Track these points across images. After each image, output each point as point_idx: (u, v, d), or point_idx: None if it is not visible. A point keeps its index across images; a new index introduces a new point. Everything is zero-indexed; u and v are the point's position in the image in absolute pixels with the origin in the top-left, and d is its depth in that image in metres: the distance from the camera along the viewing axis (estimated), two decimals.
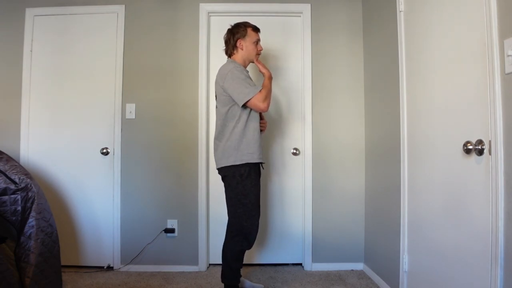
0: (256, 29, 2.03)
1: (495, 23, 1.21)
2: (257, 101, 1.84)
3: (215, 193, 2.60)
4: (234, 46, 2.00)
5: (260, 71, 2.03)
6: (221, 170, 1.94)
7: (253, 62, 2.05)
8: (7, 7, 2.60)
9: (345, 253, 2.56)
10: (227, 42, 2.03)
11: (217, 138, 1.96)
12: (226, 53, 2.06)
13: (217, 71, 2.05)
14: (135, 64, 2.59)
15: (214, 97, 2.07)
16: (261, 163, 1.96)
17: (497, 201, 1.19)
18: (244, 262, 2.04)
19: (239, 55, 2.01)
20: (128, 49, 2.59)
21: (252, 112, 1.92)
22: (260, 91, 1.86)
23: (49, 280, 1.67)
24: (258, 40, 2.03)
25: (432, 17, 1.64)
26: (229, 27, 2.04)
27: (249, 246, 1.92)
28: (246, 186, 1.86)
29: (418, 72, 1.77)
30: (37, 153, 2.57)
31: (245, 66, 2.03)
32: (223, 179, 1.96)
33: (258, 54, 2.05)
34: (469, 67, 1.36)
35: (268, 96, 1.88)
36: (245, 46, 1.99)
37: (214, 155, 1.98)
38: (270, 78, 1.98)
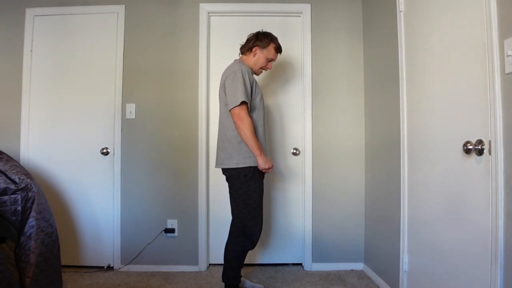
0: (278, 50, 2.03)
1: (495, 23, 1.21)
2: (240, 110, 1.77)
3: (215, 193, 2.60)
4: (249, 49, 2.00)
5: None
6: (225, 171, 1.93)
7: (255, 73, 2.05)
8: (7, 7, 2.60)
9: (345, 253, 2.56)
10: (248, 40, 2.02)
11: (219, 137, 1.97)
12: (241, 48, 2.06)
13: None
14: (135, 64, 2.59)
15: (218, 97, 2.07)
16: None
17: (497, 201, 1.19)
18: (244, 262, 2.04)
19: (250, 59, 2.01)
20: (128, 49, 2.59)
21: (253, 112, 1.91)
22: (247, 111, 1.80)
23: (49, 280, 1.67)
24: (272, 60, 2.03)
25: (432, 17, 1.64)
26: (261, 30, 2.04)
27: (252, 246, 1.91)
28: (250, 187, 1.85)
29: (418, 72, 1.77)
30: (37, 153, 2.57)
31: (252, 72, 2.02)
32: (227, 180, 1.95)
33: (263, 68, 2.04)
34: (469, 67, 1.36)
35: (245, 127, 1.78)
36: (257, 56, 1.99)
37: (217, 155, 1.98)
38: (258, 154, 1.83)
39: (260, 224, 1.89)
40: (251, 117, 1.87)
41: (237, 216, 1.90)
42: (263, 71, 2.08)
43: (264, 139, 1.97)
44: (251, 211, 1.86)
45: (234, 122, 1.82)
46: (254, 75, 2.05)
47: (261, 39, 1.98)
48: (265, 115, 2.00)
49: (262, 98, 1.97)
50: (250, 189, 1.85)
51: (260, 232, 1.90)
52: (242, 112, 1.79)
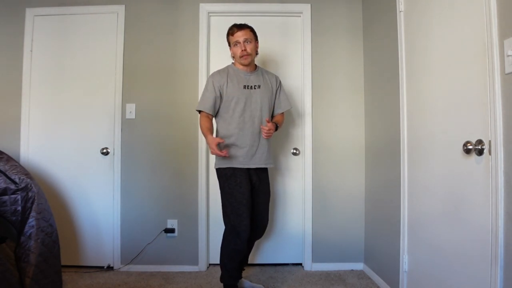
0: (231, 33, 1.99)
1: (495, 23, 1.21)
2: (199, 116, 2.01)
3: (215, 193, 2.59)
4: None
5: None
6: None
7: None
8: (7, 7, 2.60)
9: (345, 253, 2.56)
10: None
11: None
12: None
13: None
14: (135, 64, 2.59)
15: None
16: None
17: (497, 201, 1.19)
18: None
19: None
20: (128, 49, 2.59)
21: (226, 114, 1.97)
22: (204, 115, 1.97)
23: (49, 280, 1.67)
24: (237, 42, 1.96)
25: (432, 17, 1.64)
26: None
27: (242, 245, 1.91)
28: (230, 185, 1.92)
29: (418, 72, 1.77)
30: (37, 153, 2.57)
31: (242, 64, 2.02)
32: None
33: (241, 57, 1.97)
34: (469, 67, 1.36)
35: (200, 128, 2.00)
36: (231, 51, 2.05)
37: None
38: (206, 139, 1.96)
39: (244, 223, 1.89)
40: (223, 118, 2.00)
41: (225, 215, 1.97)
42: (246, 57, 1.97)
43: (252, 137, 1.98)
44: (234, 209, 1.90)
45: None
46: (250, 75, 2.04)
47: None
48: (253, 113, 1.99)
49: (242, 99, 1.97)
50: (231, 188, 1.92)
51: (246, 231, 1.89)
52: (199, 118, 2.01)
